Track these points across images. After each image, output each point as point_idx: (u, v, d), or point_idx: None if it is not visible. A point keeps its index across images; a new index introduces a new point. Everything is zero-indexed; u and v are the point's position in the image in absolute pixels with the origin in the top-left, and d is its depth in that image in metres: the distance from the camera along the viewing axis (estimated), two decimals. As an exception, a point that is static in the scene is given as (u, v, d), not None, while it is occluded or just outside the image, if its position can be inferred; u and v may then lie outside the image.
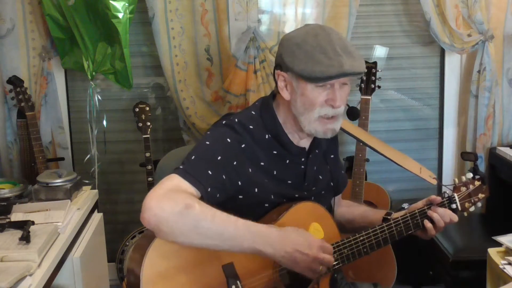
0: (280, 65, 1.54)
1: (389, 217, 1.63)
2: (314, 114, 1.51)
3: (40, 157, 2.59)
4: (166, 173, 1.80)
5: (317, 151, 1.67)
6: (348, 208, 1.85)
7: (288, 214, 1.54)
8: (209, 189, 1.41)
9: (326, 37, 1.47)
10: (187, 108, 2.77)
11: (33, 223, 1.81)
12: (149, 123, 2.67)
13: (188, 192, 1.38)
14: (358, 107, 2.55)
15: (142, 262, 1.33)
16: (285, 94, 1.54)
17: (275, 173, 1.56)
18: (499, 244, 1.72)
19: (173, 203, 1.33)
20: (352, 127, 1.86)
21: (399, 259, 2.41)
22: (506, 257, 1.64)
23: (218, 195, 1.44)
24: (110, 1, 2.44)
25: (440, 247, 2.41)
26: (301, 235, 1.44)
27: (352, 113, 1.66)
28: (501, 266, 1.61)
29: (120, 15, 2.47)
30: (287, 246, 1.40)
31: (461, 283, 2.31)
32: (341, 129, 1.65)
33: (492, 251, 1.71)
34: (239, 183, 1.50)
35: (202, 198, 1.41)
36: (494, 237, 1.75)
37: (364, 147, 2.57)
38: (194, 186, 1.39)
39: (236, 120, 1.54)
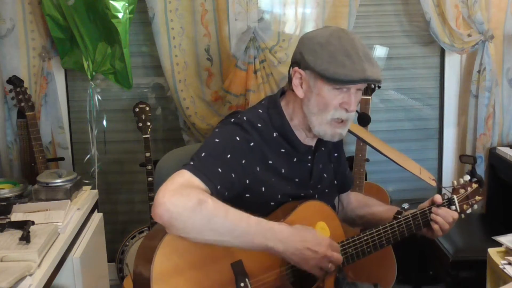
0: (298, 63, 1.54)
1: (399, 216, 1.65)
2: (328, 116, 1.51)
3: (40, 157, 2.59)
4: (165, 173, 1.80)
5: (323, 148, 1.68)
6: (357, 203, 1.87)
7: (296, 212, 1.54)
8: (218, 187, 1.41)
9: (349, 41, 1.48)
10: (187, 108, 2.77)
11: (33, 223, 1.81)
12: (149, 123, 2.67)
13: (199, 188, 1.38)
14: (359, 108, 2.55)
15: (152, 260, 1.33)
16: (299, 92, 1.54)
17: (283, 171, 1.57)
18: (499, 244, 1.72)
19: (186, 199, 1.32)
20: (354, 126, 1.86)
21: (399, 259, 2.40)
22: (506, 257, 1.64)
23: (226, 193, 1.45)
24: (110, 1, 2.44)
25: (440, 247, 2.41)
26: (311, 232, 1.46)
27: (363, 119, 1.67)
28: (501, 266, 1.61)
29: (120, 15, 2.47)
30: (297, 243, 1.41)
31: (461, 283, 2.31)
32: None
33: (492, 251, 1.71)
34: (247, 181, 1.50)
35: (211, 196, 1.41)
36: (494, 237, 1.75)
37: (364, 147, 2.57)
38: (204, 183, 1.39)
39: (245, 118, 1.54)
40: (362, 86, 1.53)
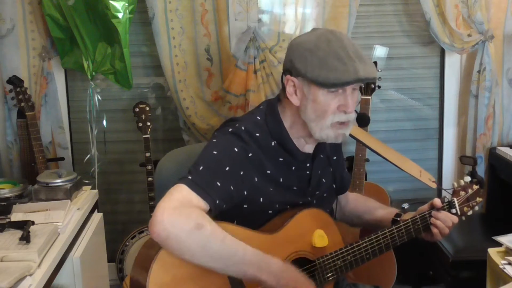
0: (289, 70, 1.51)
1: (398, 219, 1.64)
2: (327, 121, 1.49)
3: (40, 157, 2.59)
4: (166, 173, 1.81)
5: (321, 156, 1.66)
6: (355, 203, 1.86)
7: (293, 221, 1.54)
8: (217, 201, 1.40)
9: (338, 43, 1.46)
10: (187, 108, 2.77)
11: (33, 223, 1.81)
12: (149, 123, 2.66)
13: (199, 207, 1.37)
14: (358, 109, 2.55)
15: (148, 274, 1.33)
16: (294, 100, 1.51)
17: (281, 180, 1.55)
18: (499, 244, 1.72)
19: (185, 220, 1.31)
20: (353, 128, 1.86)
21: (399, 259, 2.40)
22: (506, 257, 1.64)
23: (224, 206, 1.44)
24: (110, 1, 2.44)
25: (440, 247, 2.41)
26: (301, 274, 1.46)
27: (363, 120, 1.65)
28: (501, 266, 1.61)
29: (120, 15, 2.47)
30: (289, 280, 1.41)
31: (461, 283, 2.31)
32: None
33: (492, 251, 1.70)
34: (245, 192, 1.49)
35: (210, 210, 1.40)
36: (494, 237, 1.75)
37: (364, 147, 2.57)
38: (203, 198, 1.38)
39: (243, 128, 1.51)
40: (358, 85, 1.51)
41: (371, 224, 1.75)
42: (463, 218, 1.65)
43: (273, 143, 1.54)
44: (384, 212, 1.75)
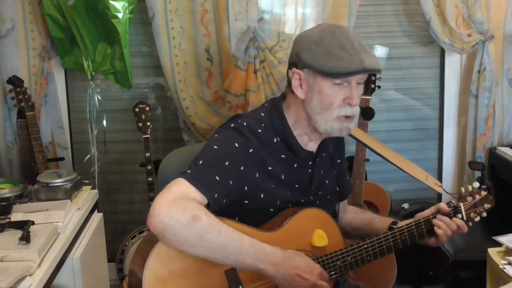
0: (295, 63, 1.53)
1: (394, 226, 1.63)
2: (333, 114, 1.50)
3: (40, 157, 2.59)
4: (168, 172, 1.81)
5: (324, 154, 1.66)
6: (354, 215, 1.85)
7: (293, 220, 1.53)
8: (216, 196, 1.41)
9: (343, 35, 1.48)
10: (187, 108, 2.77)
11: (33, 223, 1.81)
12: (149, 123, 2.67)
13: (196, 200, 1.37)
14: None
15: (144, 267, 1.33)
16: (299, 92, 1.53)
17: (283, 177, 1.55)
18: (499, 244, 1.72)
19: (181, 212, 1.32)
20: (358, 132, 1.85)
21: (399, 259, 2.41)
22: (506, 257, 1.64)
23: (224, 201, 1.44)
24: (110, 1, 2.44)
25: (440, 247, 2.40)
26: (303, 259, 1.45)
27: (367, 113, 1.65)
28: (501, 266, 1.61)
29: (120, 15, 2.47)
30: (289, 269, 1.41)
31: (461, 283, 2.31)
32: (350, 135, 1.65)
33: (492, 251, 1.71)
34: (246, 188, 1.49)
35: (208, 205, 1.40)
36: (494, 237, 1.75)
37: (364, 147, 2.57)
38: (201, 192, 1.39)
39: (245, 123, 1.52)
40: (362, 78, 1.52)
41: (368, 235, 1.74)
42: (470, 224, 1.63)
43: (275, 140, 1.55)
44: (380, 220, 1.74)
